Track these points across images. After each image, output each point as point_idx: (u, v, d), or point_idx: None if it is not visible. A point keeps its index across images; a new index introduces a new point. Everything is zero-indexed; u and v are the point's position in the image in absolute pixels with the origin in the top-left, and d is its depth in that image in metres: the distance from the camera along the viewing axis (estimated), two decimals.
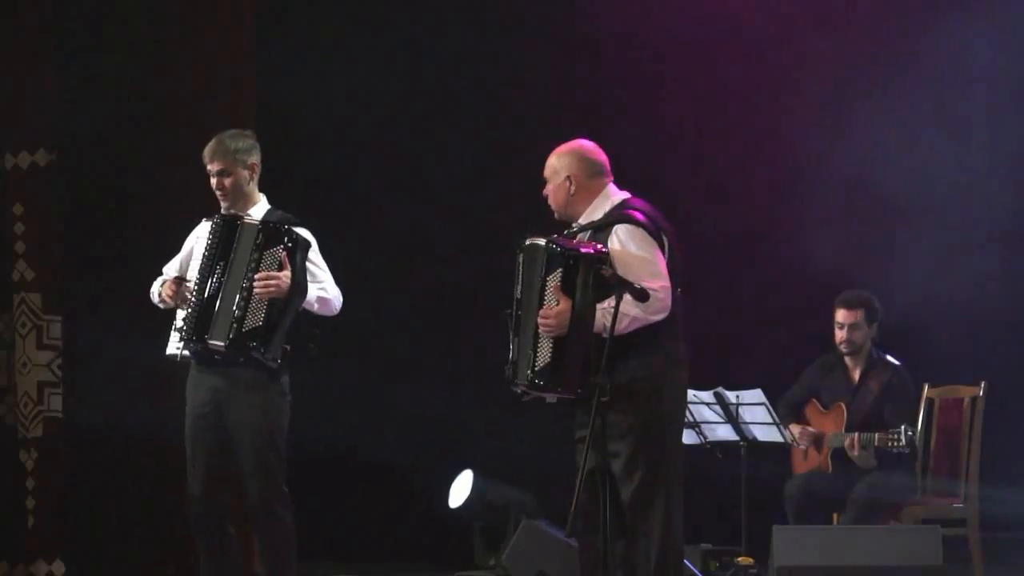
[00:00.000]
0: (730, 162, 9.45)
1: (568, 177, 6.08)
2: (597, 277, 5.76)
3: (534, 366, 5.87)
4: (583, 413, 5.91)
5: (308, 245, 6.60)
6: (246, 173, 6.69)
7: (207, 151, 6.70)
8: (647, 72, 9.53)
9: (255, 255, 6.47)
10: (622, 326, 5.78)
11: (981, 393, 8.10)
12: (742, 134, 9.45)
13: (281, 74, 9.21)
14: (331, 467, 9.34)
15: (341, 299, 6.75)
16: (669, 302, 5.87)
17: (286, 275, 6.47)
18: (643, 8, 9.47)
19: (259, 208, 6.73)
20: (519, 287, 6.01)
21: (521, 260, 6.01)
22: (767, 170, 9.44)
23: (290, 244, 6.50)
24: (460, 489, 8.84)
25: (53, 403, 8.41)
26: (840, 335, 8.27)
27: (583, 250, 5.84)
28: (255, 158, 6.73)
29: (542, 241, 5.91)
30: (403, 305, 9.57)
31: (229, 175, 6.67)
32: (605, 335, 5.75)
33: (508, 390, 6.08)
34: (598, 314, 5.80)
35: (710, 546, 8.56)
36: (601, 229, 5.98)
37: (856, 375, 8.29)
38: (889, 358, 8.28)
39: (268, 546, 6.65)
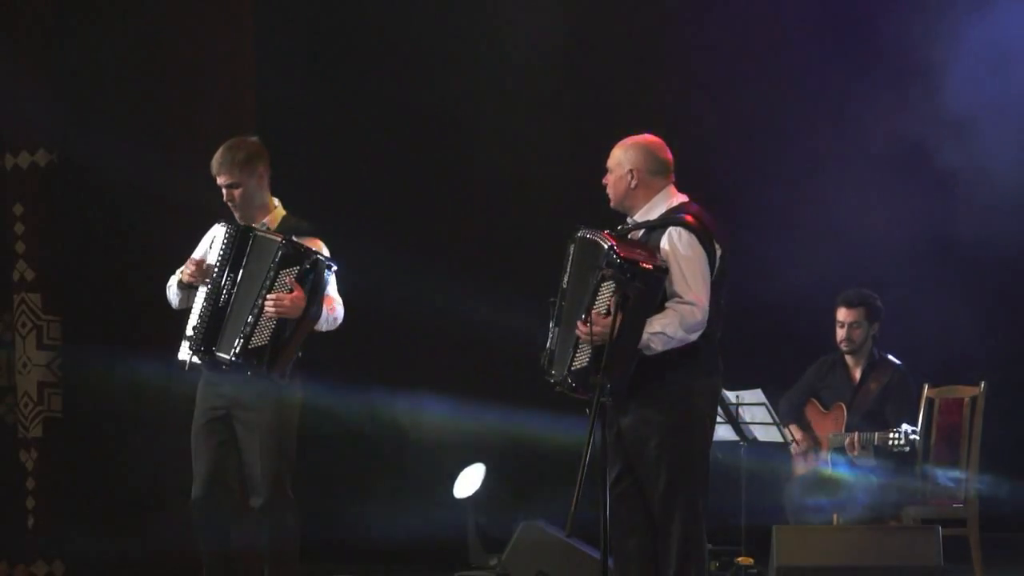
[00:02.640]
0: (729, 161, 9.44)
1: (631, 171, 6.02)
2: (645, 295, 5.74)
3: (571, 366, 5.86)
4: (615, 413, 5.92)
5: (328, 266, 6.50)
6: (254, 182, 6.57)
7: (214, 164, 6.58)
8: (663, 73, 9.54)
9: (271, 273, 6.37)
10: (667, 347, 5.81)
11: (981, 393, 8.10)
12: (747, 134, 9.44)
13: (281, 74, 9.21)
14: (331, 466, 9.34)
15: (343, 314, 6.66)
16: (705, 319, 5.85)
17: (299, 297, 6.38)
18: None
19: (275, 215, 6.64)
20: (566, 277, 5.97)
21: (572, 252, 5.97)
22: (767, 169, 9.43)
23: (308, 266, 6.41)
24: (470, 480, 8.83)
25: (53, 403, 8.42)
26: (840, 334, 8.27)
27: (644, 265, 5.79)
28: (263, 165, 6.60)
29: (605, 244, 5.82)
30: (401, 304, 9.55)
31: (238, 187, 6.55)
32: (648, 352, 5.79)
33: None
34: (644, 335, 5.78)
35: (710, 546, 8.48)
36: (654, 229, 5.95)
37: (857, 374, 8.30)
38: (890, 357, 8.28)
39: (271, 550, 6.62)
